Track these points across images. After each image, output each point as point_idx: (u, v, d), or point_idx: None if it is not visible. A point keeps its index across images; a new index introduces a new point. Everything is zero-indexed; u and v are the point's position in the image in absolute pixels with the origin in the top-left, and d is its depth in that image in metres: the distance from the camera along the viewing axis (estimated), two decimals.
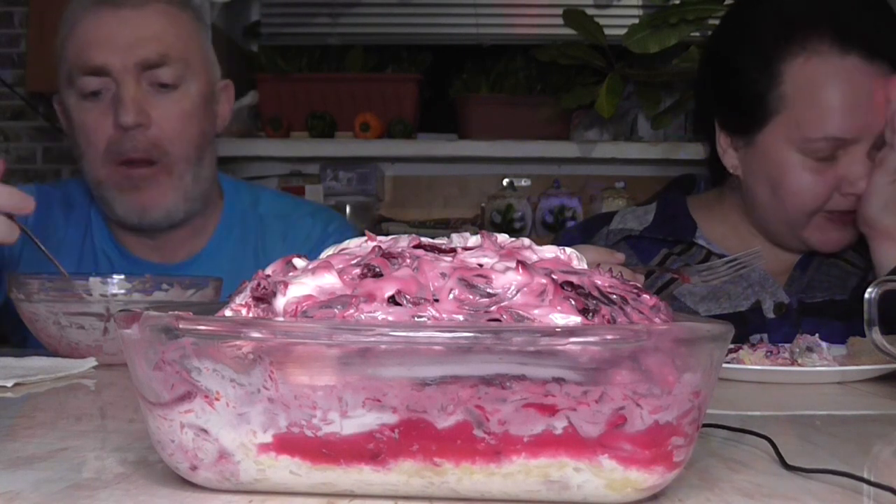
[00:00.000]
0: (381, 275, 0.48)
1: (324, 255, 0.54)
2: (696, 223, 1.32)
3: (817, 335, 1.00)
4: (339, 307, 0.46)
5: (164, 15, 1.29)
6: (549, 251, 0.54)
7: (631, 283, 0.53)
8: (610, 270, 0.53)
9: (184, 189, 1.30)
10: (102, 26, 1.26)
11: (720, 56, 1.31)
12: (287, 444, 0.46)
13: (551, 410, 0.44)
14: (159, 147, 1.26)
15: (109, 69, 1.25)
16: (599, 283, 0.50)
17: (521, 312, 0.46)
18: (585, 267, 0.54)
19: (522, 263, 0.48)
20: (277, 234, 1.40)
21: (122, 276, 1.08)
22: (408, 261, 0.49)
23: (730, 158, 1.28)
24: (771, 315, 1.24)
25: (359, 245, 0.54)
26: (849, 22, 1.19)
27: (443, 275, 0.48)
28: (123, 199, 1.28)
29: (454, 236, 0.56)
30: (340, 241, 0.56)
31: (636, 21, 2.14)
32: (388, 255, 0.50)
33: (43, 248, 1.06)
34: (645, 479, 0.45)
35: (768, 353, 0.98)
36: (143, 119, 1.25)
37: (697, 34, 2.12)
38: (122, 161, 1.26)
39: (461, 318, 0.46)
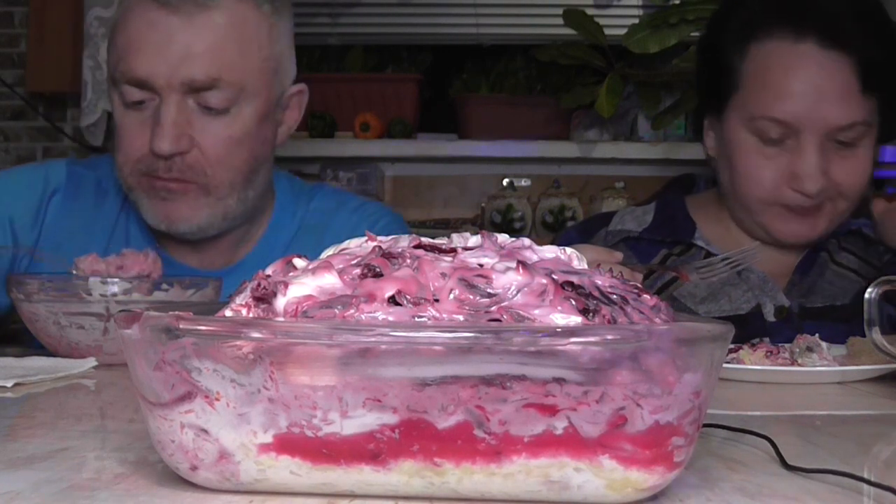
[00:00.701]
0: (382, 275, 0.48)
1: (324, 255, 0.54)
2: (696, 223, 1.32)
3: (817, 335, 1.00)
4: (339, 307, 0.46)
5: (228, 21, 1.14)
6: (550, 251, 0.54)
7: (631, 283, 0.53)
8: (610, 270, 0.53)
9: (224, 209, 1.19)
10: (151, 32, 1.12)
11: (707, 34, 1.34)
12: (287, 444, 0.46)
13: (552, 410, 0.44)
14: (197, 170, 1.16)
15: (152, 84, 1.12)
16: (600, 283, 0.50)
17: (521, 312, 0.46)
18: (586, 267, 0.54)
19: (523, 263, 0.48)
20: (323, 233, 1.30)
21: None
22: (408, 261, 0.49)
23: (709, 140, 1.31)
24: (772, 318, 1.24)
25: (359, 245, 0.54)
26: (805, 8, 1.21)
27: (443, 275, 0.48)
28: (151, 205, 1.18)
29: (454, 236, 0.56)
30: None
31: (636, 21, 2.14)
32: (388, 255, 0.50)
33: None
34: (645, 479, 0.45)
35: (768, 353, 0.98)
36: (182, 146, 1.13)
37: (697, 34, 2.12)
38: (152, 175, 1.16)
39: (461, 318, 0.46)
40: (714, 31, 1.32)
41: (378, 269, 0.48)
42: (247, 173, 1.19)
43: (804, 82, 1.18)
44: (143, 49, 1.12)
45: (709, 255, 1.28)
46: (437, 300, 0.47)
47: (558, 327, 0.45)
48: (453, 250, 0.52)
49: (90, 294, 1.04)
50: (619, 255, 1.05)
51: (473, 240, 0.54)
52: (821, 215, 1.23)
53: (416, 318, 0.46)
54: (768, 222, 1.25)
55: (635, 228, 1.33)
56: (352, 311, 0.46)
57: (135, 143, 1.16)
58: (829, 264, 1.28)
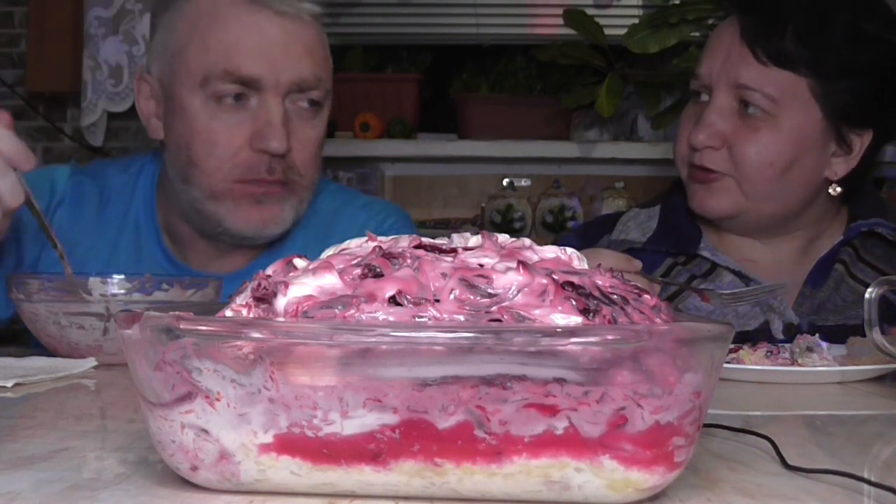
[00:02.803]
0: (382, 275, 0.48)
1: (324, 255, 0.54)
2: (702, 230, 1.30)
3: (817, 335, 1.00)
4: (339, 307, 0.46)
5: (317, 28, 1.19)
6: (550, 251, 0.54)
7: (632, 283, 0.53)
8: (610, 270, 0.53)
9: (297, 210, 1.22)
10: (260, 32, 1.14)
11: None
12: (288, 444, 0.46)
13: (552, 411, 0.44)
14: (294, 170, 1.18)
15: (261, 84, 1.14)
16: (600, 283, 0.50)
17: (521, 313, 0.46)
18: (586, 267, 0.54)
19: (523, 263, 0.48)
20: (329, 231, 1.31)
21: (122, 276, 1.08)
22: (408, 261, 0.49)
23: None
24: (780, 336, 1.21)
25: (359, 245, 0.54)
26: None
27: (443, 275, 0.48)
28: (242, 212, 1.18)
29: (454, 236, 0.56)
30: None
31: (636, 21, 2.14)
32: (388, 256, 0.50)
33: (52, 235, 1.03)
34: (646, 479, 0.45)
35: (768, 353, 0.98)
36: (290, 144, 1.16)
37: (697, 34, 2.12)
38: (250, 180, 1.16)
39: (462, 318, 0.46)
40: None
41: (378, 270, 0.48)
42: (319, 172, 1.24)
43: (715, 43, 1.25)
44: (254, 48, 1.13)
45: (714, 265, 1.27)
46: (437, 300, 0.47)
47: (558, 327, 0.45)
48: (454, 250, 0.52)
49: (90, 294, 1.04)
50: (638, 264, 1.05)
51: (474, 240, 0.54)
52: (717, 188, 1.23)
53: (417, 319, 0.46)
54: (687, 190, 1.28)
55: (639, 238, 1.30)
56: (352, 311, 0.46)
57: (231, 142, 1.15)
58: (846, 278, 1.25)
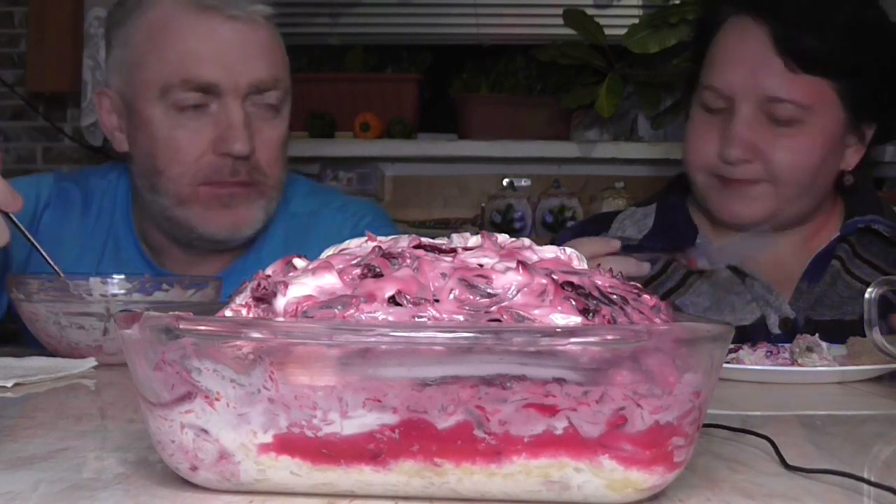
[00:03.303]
0: (382, 275, 0.48)
1: (324, 255, 0.54)
2: (697, 227, 1.31)
3: (817, 335, 1.00)
4: (339, 307, 0.46)
5: (271, 29, 1.20)
6: (550, 251, 0.54)
7: (631, 283, 0.53)
8: (610, 270, 0.53)
9: (267, 210, 1.23)
10: (213, 38, 1.15)
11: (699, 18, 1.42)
12: (287, 444, 0.46)
13: (552, 411, 0.44)
14: (259, 170, 1.19)
15: (220, 89, 1.15)
16: (600, 283, 0.50)
17: (521, 313, 0.46)
18: (585, 267, 0.54)
19: (523, 264, 0.48)
20: (307, 234, 1.31)
21: (122, 276, 1.08)
22: (408, 261, 0.49)
23: None
24: (776, 330, 1.22)
25: (359, 245, 0.54)
26: None
27: (443, 275, 0.48)
28: (211, 216, 1.19)
29: (454, 236, 0.56)
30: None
31: (636, 21, 2.14)
32: (388, 256, 0.50)
33: (38, 246, 1.03)
34: (645, 479, 0.45)
35: (768, 353, 0.98)
36: (252, 146, 1.17)
37: None
38: (216, 182, 1.18)
39: (461, 318, 0.46)
40: (697, 18, 1.41)
41: (378, 270, 0.48)
42: (285, 172, 1.25)
43: (738, 52, 1.22)
44: (209, 54, 1.15)
45: None
46: (437, 300, 0.47)
47: (558, 327, 0.45)
48: (453, 250, 0.52)
49: (90, 294, 1.04)
50: (615, 244, 1.05)
51: (473, 240, 0.54)
52: (756, 196, 1.22)
53: (416, 319, 0.46)
54: (708, 197, 1.26)
55: (636, 235, 1.32)
56: (352, 311, 0.46)
57: (196, 148, 1.16)
58: (842, 274, 1.26)
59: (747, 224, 1.24)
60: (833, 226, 1.30)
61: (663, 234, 1.31)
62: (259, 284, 0.49)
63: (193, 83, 1.15)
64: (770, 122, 1.20)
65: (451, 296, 0.47)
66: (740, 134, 1.20)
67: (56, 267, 1.04)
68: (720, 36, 1.25)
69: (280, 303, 0.48)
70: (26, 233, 1.03)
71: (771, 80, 1.19)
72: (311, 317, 0.46)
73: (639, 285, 0.53)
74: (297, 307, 0.47)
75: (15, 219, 1.00)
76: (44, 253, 1.04)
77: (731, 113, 1.21)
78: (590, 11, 2.22)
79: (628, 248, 1.30)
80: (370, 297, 0.46)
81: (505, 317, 0.46)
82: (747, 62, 1.20)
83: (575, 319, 0.46)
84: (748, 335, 1.20)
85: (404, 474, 0.45)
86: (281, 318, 0.47)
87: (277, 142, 1.22)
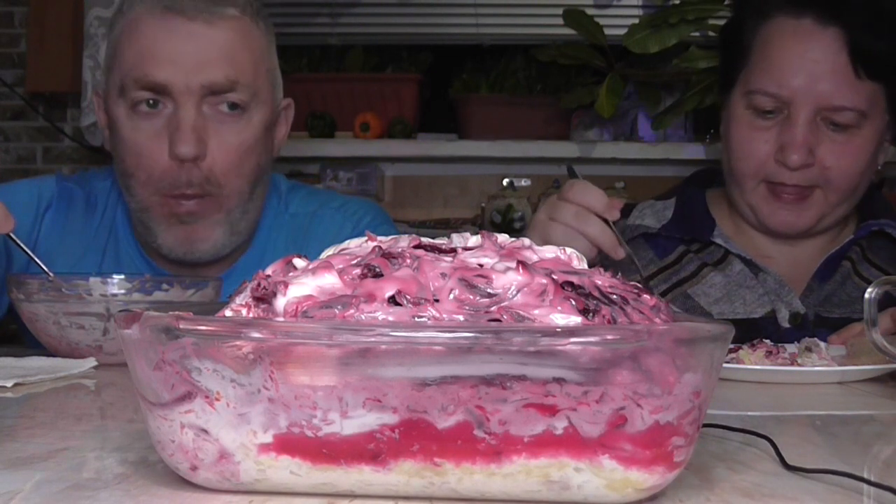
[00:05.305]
0: (382, 275, 0.48)
1: (324, 255, 0.54)
2: (715, 220, 1.31)
3: (816, 337, 1.00)
4: (339, 307, 0.46)
5: (238, 31, 1.17)
6: (550, 251, 0.54)
7: (631, 283, 0.53)
8: (610, 271, 0.53)
9: (231, 224, 1.20)
10: (169, 38, 1.14)
11: (731, 15, 1.38)
12: (287, 444, 0.46)
13: (552, 411, 0.44)
14: (213, 180, 1.16)
15: (171, 89, 1.14)
16: (600, 283, 0.50)
17: (521, 312, 0.46)
18: (586, 267, 0.54)
19: (523, 263, 0.48)
20: (307, 234, 1.30)
21: (122, 276, 1.08)
22: (408, 261, 0.49)
23: (722, 122, 1.31)
24: (786, 324, 1.22)
25: (359, 245, 0.54)
26: None
27: (443, 275, 0.48)
28: (170, 232, 1.18)
29: (454, 236, 0.56)
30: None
31: (636, 21, 2.14)
32: (388, 255, 0.50)
33: (35, 258, 1.03)
34: (645, 479, 0.45)
35: (768, 353, 0.98)
36: (200, 150, 1.14)
37: (697, 34, 2.12)
38: (173, 194, 1.16)
39: (461, 318, 0.46)
40: (735, 11, 1.36)
41: (378, 269, 0.48)
42: (252, 183, 1.20)
43: (799, 57, 1.19)
44: (162, 54, 1.14)
45: (727, 253, 1.28)
46: (437, 300, 0.47)
47: (558, 327, 0.45)
48: (453, 250, 0.52)
49: (90, 294, 1.04)
50: (615, 213, 1.07)
51: (473, 240, 0.54)
52: (808, 204, 1.22)
53: (416, 319, 0.46)
54: (756, 204, 1.25)
55: (654, 224, 1.32)
56: (352, 311, 0.46)
57: (152, 154, 1.15)
58: (852, 275, 1.26)
59: (798, 232, 1.25)
60: (848, 229, 1.32)
61: (681, 225, 1.31)
62: (259, 284, 0.49)
63: (143, 82, 1.14)
64: (825, 126, 1.19)
65: (451, 296, 0.47)
66: (803, 139, 1.18)
67: (52, 275, 1.03)
68: (771, 35, 1.22)
69: (280, 303, 0.48)
70: (23, 246, 1.03)
71: (835, 88, 1.18)
72: (311, 317, 0.46)
73: (639, 285, 0.53)
74: (297, 307, 0.47)
75: (12, 234, 1.01)
76: (42, 265, 1.04)
77: (788, 116, 1.20)
78: (590, 11, 2.22)
79: (646, 237, 1.31)
80: (370, 297, 0.46)
81: (505, 317, 0.46)
82: (809, 67, 1.18)
83: (575, 319, 0.46)
84: (758, 328, 1.20)
85: (404, 474, 0.45)
86: (281, 318, 0.47)
87: (238, 148, 1.17)
